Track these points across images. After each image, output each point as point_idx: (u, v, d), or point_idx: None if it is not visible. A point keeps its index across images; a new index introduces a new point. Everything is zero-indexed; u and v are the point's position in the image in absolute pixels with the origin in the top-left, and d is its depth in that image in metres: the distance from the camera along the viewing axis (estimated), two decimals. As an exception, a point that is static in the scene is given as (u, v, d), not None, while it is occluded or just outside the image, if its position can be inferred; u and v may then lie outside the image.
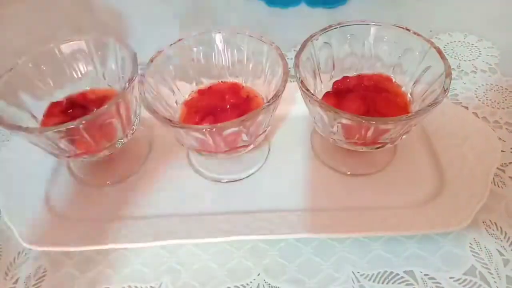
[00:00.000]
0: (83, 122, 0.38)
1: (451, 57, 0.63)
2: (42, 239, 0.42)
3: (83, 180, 0.49)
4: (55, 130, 0.37)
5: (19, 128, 0.38)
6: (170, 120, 0.38)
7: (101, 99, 0.48)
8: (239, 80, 0.49)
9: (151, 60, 0.44)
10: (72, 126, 0.37)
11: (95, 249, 0.42)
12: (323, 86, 0.48)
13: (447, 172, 0.46)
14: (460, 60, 0.63)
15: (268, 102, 0.39)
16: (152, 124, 0.50)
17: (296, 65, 0.42)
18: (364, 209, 0.44)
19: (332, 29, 0.46)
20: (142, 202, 0.46)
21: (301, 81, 0.41)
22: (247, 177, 0.48)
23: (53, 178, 0.49)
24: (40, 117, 0.46)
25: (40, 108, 0.46)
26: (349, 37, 0.47)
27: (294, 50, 0.66)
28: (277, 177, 0.48)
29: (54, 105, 0.47)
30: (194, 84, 0.49)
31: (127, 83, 0.41)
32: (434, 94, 0.40)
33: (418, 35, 0.44)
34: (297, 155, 0.50)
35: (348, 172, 0.48)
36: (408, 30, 0.45)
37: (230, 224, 0.42)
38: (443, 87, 0.39)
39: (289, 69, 0.41)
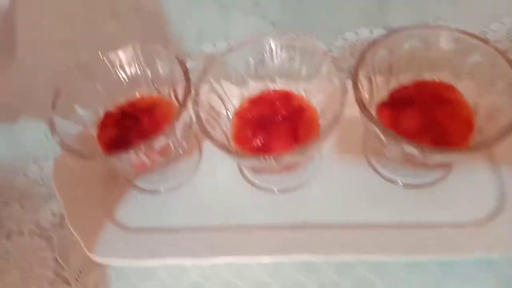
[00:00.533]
0: (142, 148, 0.38)
1: (516, 47, 0.58)
2: (107, 251, 0.44)
3: (138, 187, 0.50)
4: (115, 158, 0.38)
5: (81, 155, 0.38)
6: (228, 149, 0.37)
7: (151, 108, 0.48)
8: (290, 88, 0.48)
9: (204, 72, 0.43)
10: (130, 153, 0.38)
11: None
12: (379, 92, 0.46)
13: (509, 187, 0.44)
14: (525, 49, 0.58)
15: (327, 127, 0.37)
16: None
17: (354, 84, 0.40)
18: (419, 227, 0.43)
19: (391, 36, 0.43)
20: (195, 212, 0.47)
21: (361, 100, 0.39)
22: (298, 187, 0.48)
23: (109, 186, 0.50)
24: (92, 127, 0.47)
25: (89, 116, 0.47)
26: (407, 43, 0.44)
27: (342, 38, 0.62)
28: (328, 187, 0.47)
29: (107, 116, 0.48)
30: (244, 91, 0.48)
31: (181, 101, 0.40)
32: (505, 108, 0.38)
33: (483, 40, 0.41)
34: (348, 161, 0.49)
35: (401, 183, 0.47)
36: (472, 34, 0.41)
37: (287, 241, 0.43)
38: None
39: (346, 87, 0.39)
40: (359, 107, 0.38)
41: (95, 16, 0.73)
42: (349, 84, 0.40)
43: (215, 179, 0.50)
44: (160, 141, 0.39)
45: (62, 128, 0.42)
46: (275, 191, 0.48)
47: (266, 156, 0.36)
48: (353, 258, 0.41)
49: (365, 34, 0.62)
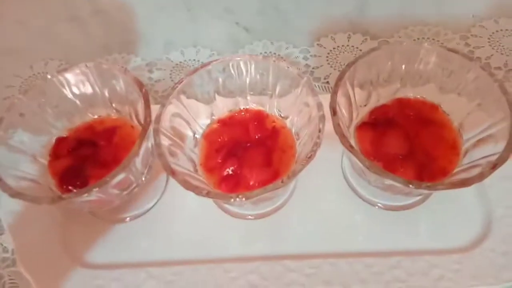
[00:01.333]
0: (96, 189, 0.33)
1: (497, 51, 0.56)
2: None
3: (101, 216, 0.45)
4: (66, 201, 0.33)
5: (25, 198, 0.34)
6: (197, 187, 0.33)
7: (110, 131, 0.43)
8: (263, 105, 0.44)
9: (167, 96, 0.39)
10: (86, 195, 0.33)
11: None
12: (358, 110, 0.42)
13: (497, 209, 0.42)
14: (508, 55, 0.55)
15: (300, 165, 0.34)
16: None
17: (333, 109, 0.36)
18: (403, 254, 0.40)
19: (372, 54, 0.39)
20: (164, 244, 0.43)
21: (339, 128, 0.35)
22: (274, 211, 0.44)
23: (68, 216, 0.45)
24: (42, 157, 0.42)
25: (37, 143, 0.42)
26: (389, 59, 0.41)
27: (317, 44, 0.59)
28: (305, 211, 0.44)
29: (60, 142, 0.43)
30: (213, 109, 0.44)
31: (142, 132, 0.36)
32: (493, 134, 0.35)
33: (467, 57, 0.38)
34: (327, 183, 0.46)
35: (381, 205, 0.44)
36: (459, 52, 0.38)
37: (260, 276, 0.39)
38: (508, 139, 0.33)
39: (324, 115, 0.36)
40: (339, 136, 0.35)
41: (52, 21, 0.66)
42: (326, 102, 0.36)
43: (184, 204, 0.46)
44: (118, 178, 0.34)
45: (5, 162, 0.37)
46: (250, 217, 0.44)
47: (238, 197, 0.32)
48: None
49: (343, 40, 0.59)
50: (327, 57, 0.57)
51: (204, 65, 0.40)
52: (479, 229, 0.41)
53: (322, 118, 0.35)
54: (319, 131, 0.34)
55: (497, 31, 0.58)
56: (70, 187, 0.39)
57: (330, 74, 0.56)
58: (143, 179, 0.41)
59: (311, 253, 0.41)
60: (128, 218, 0.45)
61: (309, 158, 0.33)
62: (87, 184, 0.39)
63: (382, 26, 0.60)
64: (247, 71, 0.41)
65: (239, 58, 0.40)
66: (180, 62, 0.59)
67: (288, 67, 0.39)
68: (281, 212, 0.44)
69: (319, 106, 0.36)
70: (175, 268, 0.41)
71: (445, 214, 0.43)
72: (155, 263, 0.42)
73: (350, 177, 0.46)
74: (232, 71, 0.41)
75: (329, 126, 0.35)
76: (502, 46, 0.56)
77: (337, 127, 0.35)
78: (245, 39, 0.61)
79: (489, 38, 0.57)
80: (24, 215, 0.45)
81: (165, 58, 0.60)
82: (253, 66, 0.40)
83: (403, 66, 0.41)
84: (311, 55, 0.58)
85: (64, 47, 0.63)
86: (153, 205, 0.46)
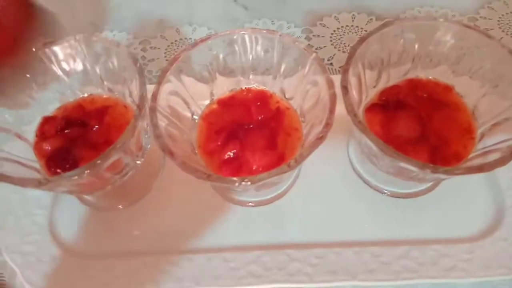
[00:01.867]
0: (87, 171, 0.30)
1: (507, 34, 0.54)
2: (53, 285, 0.37)
3: (92, 204, 0.43)
4: (54, 183, 0.30)
5: (8, 179, 0.31)
6: (197, 171, 0.31)
7: (101, 111, 0.40)
8: (266, 85, 0.41)
9: (164, 71, 0.36)
10: (76, 177, 0.30)
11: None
12: (368, 90, 0.40)
13: (508, 198, 0.40)
14: (518, 39, 0.53)
15: (309, 147, 0.31)
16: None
17: (344, 88, 0.33)
18: (411, 243, 0.38)
19: (384, 30, 0.37)
20: (160, 232, 0.41)
21: (351, 108, 0.33)
22: (276, 198, 0.42)
23: (57, 203, 0.42)
24: (29, 135, 0.39)
25: (24, 122, 0.39)
26: (401, 36, 0.38)
27: (320, 23, 0.56)
28: (309, 198, 0.42)
29: (47, 121, 0.40)
30: (213, 89, 0.41)
31: (136, 111, 0.33)
32: (510, 117, 0.33)
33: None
34: (332, 168, 0.43)
35: (388, 192, 0.42)
36: (476, 29, 0.36)
37: (262, 267, 0.37)
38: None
39: (335, 93, 0.33)
40: (351, 116, 0.32)
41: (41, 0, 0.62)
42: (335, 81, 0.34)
43: (181, 190, 0.43)
44: (111, 159, 0.31)
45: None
46: (250, 204, 0.42)
47: (243, 180, 0.30)
48: (341, 285, 0.36)
49: (347, 20, 0.56)
50: (330, 37, 0.55)
51: (203, 39, 0.37)
52: (490, 218, 0.39)
53: (333, 96, 0.32)
54: (330, 111, 0.32)
55: (506, 13, 0.56)
56: (58, 170, 0.36)
57: (334, 55, 0.53)
58: (138, 162, 0.38)
59: (315, 242, 0.39)
60: (121, 206, 0.42)
61: (319, 139, 0.31)
62: (77, 166, 0.36)
63: (386, 6, 0.57)
64: (250, 47, 0.38)
65: (242, 32, 0.37)
66: (176, 40, 0.56)
67: (295, 42, 0.36)
68: (283, 199, 0.42)
69: (330, 83, 0.33)
70: (172, 257, 0.39)
71: (454, 203, 0.41)
72: (150, 252, 0.39)
73: (356, 163, 0.43)
74: (235, 47, 0.38)
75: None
76: (513, 28, 0.54)
77: (349, 107, 0.33)
78: (244, 17, 0.58)
79: (498, 21, 0.55)
80: (10, 200, 0.42)
81: (159, 37, 0.57)
82: (257, 41, 0.37)
83: (416, 45, 0.39)
84: (313, 35, 0.55)
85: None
86: (148, 192, 0.43)
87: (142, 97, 0.33)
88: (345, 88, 0.33)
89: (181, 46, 0.55)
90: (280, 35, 0.37)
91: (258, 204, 0.42)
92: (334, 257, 0.38)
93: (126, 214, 0.42)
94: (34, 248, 0.40)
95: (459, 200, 0.41)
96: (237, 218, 0.41)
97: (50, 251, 0.39)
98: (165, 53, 0.55)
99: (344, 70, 0.34)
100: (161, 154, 0.45)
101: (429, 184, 0.42)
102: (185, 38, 0.56)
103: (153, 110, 0.33)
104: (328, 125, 0.31)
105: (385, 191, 0.42)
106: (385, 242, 0.39)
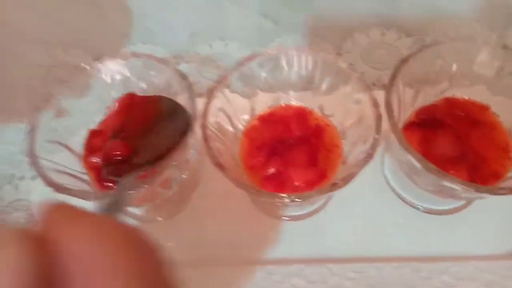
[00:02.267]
0: (144, 186, 0.32)
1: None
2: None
3: (133, 215, 0.44)
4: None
5: (71, 192, 0.32)
6: (246, 186, 0.32)
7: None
8: (305, 102, 0.42)
9: (213, 89, 0.37)
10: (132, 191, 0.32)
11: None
12: (406, 109, 0.41)
13: (543, 215, 0.41)
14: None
15: (357, 166, 0.32)
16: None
17: (388, 106, 0.35)
18: (450, 259, 0.39)
19: (425, 50, 0.38)
20: (199, 243, 0.42)
21: (396, 126, 0.34)
22: (312, 213, 0.43)
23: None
24: (77, 147, 0.40)
25: (72, 132, 0.40)
26: (440, 57, 0.39)
27: (352, 40, 0.57)
28: (345, 214, 0.43)
29: (95, 134, 0.41)
30: (253, 104, 0.42)
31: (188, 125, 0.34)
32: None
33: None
34: (367, 184, 0.44)
35: (423, 209, 0.42)
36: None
37: (305, 280, 0.38)
38: None
39: (380, 112, 0.34)
40: (396, 135, 0.33)
41: (72, 10, 0.64)
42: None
43: (218, 202, 0.44)
44: (165, 175, 0.33)
45: (44, 154, 0.35)
46: (287, 218, 0.43)
47: (293, 197, 0.31)
48: (381, 300, 0.37)
49: (377, 36, 0.57)
50: (360, 54, 0.56)
51: (250, 58, 0.38)
52: (526, 234, 0.40)
53: (379, 115, 0.33)
54: (377, 130, 0.33)
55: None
56: (108, 182, 0.37)
57: (365, 71, 0.54)
58: (184, 176, 0.39)
59: (354, 257, 0.40)
60: (160, 218, 0.44)
61: (368, 157, 0.32)
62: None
63: (415, 22, 0.58)
64: (294, 65, 0.39)
65: (287, 51, 0.38)
66: (208, 55, 0.57)
67: (338, 61, 0.37)
68: (319, 214, 0.43)
69: (375, 102, 0.34)
70: (214, 269, 0.40)
71: (489, 220, 0.41)
72: (194, 263, 0.40)
73: (391, 179, 0.44)
74: (278, 65, 0.39)
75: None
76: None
77: (393, 126, 0.34)
78: (274, 32, 0.59)
79: (530, 40, 0.56)
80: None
81: (192, 51, 0.58)
82: (300, 60, 0.39)
83: (454, 65, 0.40)
84: (344, 51, 0.56)
85: (84, 36, 0.61)
86: (186, 205, 0.44)
87: (194, 114, 0.34)
88: (389, 107, 0.34)
89: (215, 61, 0.57)
90: (323, 54, 0.38)
91: (295, 218, 0.43)
92: (374, 272, 0.38)
93: (166, 225, 0.43)
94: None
95: (494, 217, 0.41)
96: (275, 231, 0.42)
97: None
98: (198, 67, 0.56)
99: (389, 91, 0.35)
100: (199, 168, 0.46)
101: (463, 202, 0.43)
102: (218, 53, 0.58)
103: (204, 126, 0.34)
104: (375, 143, 0.32)
105: (420, 207, 0.43)
106: (423, 258, 0.39)
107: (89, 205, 0.42)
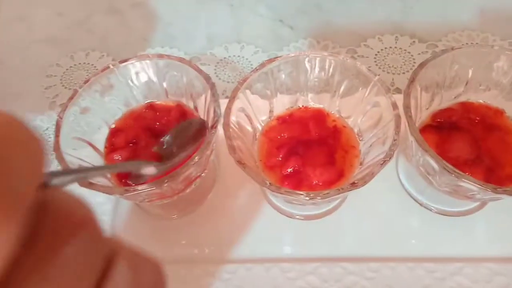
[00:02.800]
0: (167, 182, 0.33)
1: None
2: None
3: (150, 212, 0.45)
4: (136, 192, 0.32)
5: (95, 187, 0.33)
6: (265, 183, 0.32)
7: (164, 116, 0.42)
8: (323, 104, 0.43)
9: (236, 90, 0.38)
10: (153, 186, 0.32)
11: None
12: (422, 112, 0.42)
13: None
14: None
15: (378, 166, 0.33)
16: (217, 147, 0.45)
17: (407, 108, 0.35)
18: (464, 260, 0.40)
19: (442, 55, 0.39)
20: (214, 241, 0.42)
21: (415, 128, 0.35)
22: (328, 214, 0.44)
23: (117, 209, 0.44)
24: (99, 145, 0.41)
25: (94, 129, 0.41)
26: (457, 62, 0.40)
27: (364, 44, 0.58)
28: (360, 214, 0.43)
29: (114, 134, 0.42)
30: (272, 106, 0.43)
31: (211, 128, 0.35)
32: None
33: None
34: (381, 185, 0.44)
35: (436, 210, 0.43)
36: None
37: (320, 278, 0.39)
38: None
39: (399, 114, 0.35)
40: (415, 136, 0.34)
41: (90, 11, 0.66)
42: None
43: (232, 203, 0.45)
44: (187, 173, 0.33)
45: (69, 150, 0.36)
46: (302, 217, 0.44)
47: (312, 195, 0.32)
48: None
49: (390, 41, 0.58)
50: (374, 58, 0.57)
51: (271, 60, 0.39)
52: (540, 238, 0.41)
53: (398, 117, 0.34)
54: (396, 131, 0.34)
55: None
56: (128, 180, 0.38)
57: (379, 75, 0.55)
58: (203, 174, 0.40)
59: (369, 257, 0.40)
60: (175, 215, 0.44)
61: (387, 157, 0.33)
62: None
63: (427, 29, 0.59)
64: (313, 68, 0.40)
65: (307, 55, 0.39)
66: (224, 57, 0.59)
67: (357, 64, 0.38)
68: (335, 214, 0.43)
69: (394, 105, 0.35)
70: (229, 266, 0.40)
71: (502, 222, 0.42)
72: (209, 260, 0.41)
73: (404, 180, 0.45)
74: (299, 68, 0.40)
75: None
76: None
77: (412, 127, 0.35)
78: (290, 37, 0.61)
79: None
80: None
81: (208, 53, 0.59)
82: (320, 63, 0.40)
83: (470, 71, 0.41)
84: (358, 56, 0.57)
85: (104, 39, 0.62)
86: (202, 203, 0.45)
87: (216, 113, 0.35)
88: (408, 109, 0.35)
89: (231, 63, 0.58)
90: (343, 58, 0.39)
91: (309, 218, 0.43)
92: (389, 271, 0.39)
93: (181, 222, 0.44)
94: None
95: (507, 219, 0.42)
96: (291, 230, 0.43)
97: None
98: (215, 69, 0.57)
99: (407, 93, 0.36)
100: (215, 167, 0.47)
101: (476, 204, 0.43)
102: (234, 56, 0.59)
103: (227, 125, 0.35)
104: (395, 145, 0.33)
105: (434, 209, 0.43)
106: (437, 259, 0.40)
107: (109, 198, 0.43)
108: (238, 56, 0.59)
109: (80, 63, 0.59)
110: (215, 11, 0.64)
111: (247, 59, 0.58)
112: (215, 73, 0.57)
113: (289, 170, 0.39)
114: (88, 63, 0.59)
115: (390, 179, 0.45)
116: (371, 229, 0.42)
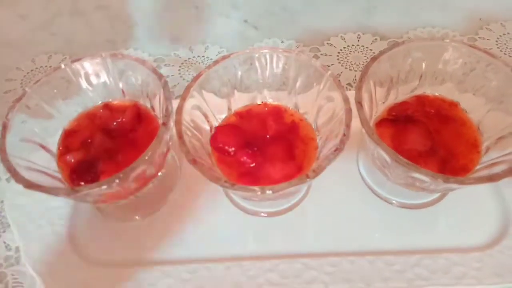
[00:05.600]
0: (117, 181, 0.32)
1: (505, 53, 0.57)
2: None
3: (110, 214, 0.44)
4: (85, 192, 0.32)
5: (39, 188, 0.32)
6: (222, 179, 0.32)
7: (119, 116, 0.42)
8: (280, 101, 0.43)
9: (188, 88, 0.37)
10: (104, 186, 0.32)
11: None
12: (377, 106, 0.42)
13: (512, 208, 0.42)
14: (515, 59, 0.56)
15: (327, 159, 0.33)
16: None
17: (358, 103, 0.36)
18: (423, 252, 0.40)
19: (394, 49, 0.39)
20: (176, 241, 0.42)
21: (366, 122, 0.35)
22: (289, 209, 0.43)
23: (75, 213, 0.44)
24: (52, 147, 0.40)
25: (49, 134, 0.40)
26: (409, 56, 0.40)
27: (327, 43, 0.58)
28: (321, 209, 0.43)
29: (70, 134, 0.41)
30: (230, 103, 0.43)
31: (162, 125, 0.35)
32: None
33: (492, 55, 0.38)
34: (343, 180, 0.45)
35: (397, 203, 0.43)
36: (482, 49, 0.38)
37: (280, 275, 0.38)
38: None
39: (350, 108, 0.35)
40: (366, 129, 0.34)
41: (53, 13, 0.65)
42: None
43: (195, 202, 0.44)
44: (138, 171, 0.33)
45: (16, 152, 0.35)
46: (264, 214, 0.43)
47: (266, 190, 0.31)
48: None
49: (353, 39, 0.59)
50: (337, 56, 0.57)
51: (225, 57, 0.39)
52: (497, 228, 0.41)
53: (349, 111, 0.34)
54: (347, 125, 0.34)
55: (503, 34, 0.59)
56: (81, 182, 0.37)
57: (341, 72, 0.55)
58: (159, 174, 0.39)
59: (329, 252, 0.40)
60: (137, 217, 0.44)
61: (337, 151, 0.33)
62: (99, 178, 0.38)
63: (390, 27, 0.60)
64: (268, 65, 0.40)
65: (261, 51, 0.39)
66: (189, 58, 0.58)
67: (311, 60, 0.38)
68: (296, 210, 0.43)
69: (346, 99, 0.35)
70: (191, 266, 0.40)
71: (461, 213, 0.42)
72: (168, 261, 0.40)
73: (365, 174, 0.45)
74: (253, 64, 0.40)
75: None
76: (510, 48, 0.57)
77: (364, 121, 0.35)
78: (255, 37, 0.61)
79: (496, 41, 0.58)
80: (30, 211, 0.43)
81: (173, 55, 0.59)
82: (275, 59, 0.39)
83: (424, 64, 0.41)
84: (321, 54, 0.58)
85: (68, 42, 0.62)
86: (164, 204, 0.44)
87: (168, 110, 0.35)
88: (359, 104, 0.35)
89: (195, 64, 0.58)
90: (296, 54, 0.39)
91: (272, 214, 0.43)
92: (349, 265, 0.39)
93: (143, 224, 0.43)
94: (55, 257, 0.40)
95: (465, 211, 0.42)
96: (252, 228, 0.43)
97: (69, 260, 0.40)
98: (179, 70, 0.57)
99: (358, 87, 0.36)
100: (176, 167, 0.47)
101: (436, 196, 0.44)
102: (198, 56, 0.58)
103: (178, 123, 0.35)
104: (345, 137, 0.33)
105: (394, 202, 0.43)
106: (397, 252, 0.40)
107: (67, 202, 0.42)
108: (203, 56, 0.58)
109: (41, 66, 0.58)
110: (180, 12, 0.64)
111: (211, 59, 0.58)
112: (179, 74, 0.57)
113: (246, 166, 0.38)
114: (50, 66, 0.58)
115: (351, 174, 0.45)
116: (333, 224, 0.42)
